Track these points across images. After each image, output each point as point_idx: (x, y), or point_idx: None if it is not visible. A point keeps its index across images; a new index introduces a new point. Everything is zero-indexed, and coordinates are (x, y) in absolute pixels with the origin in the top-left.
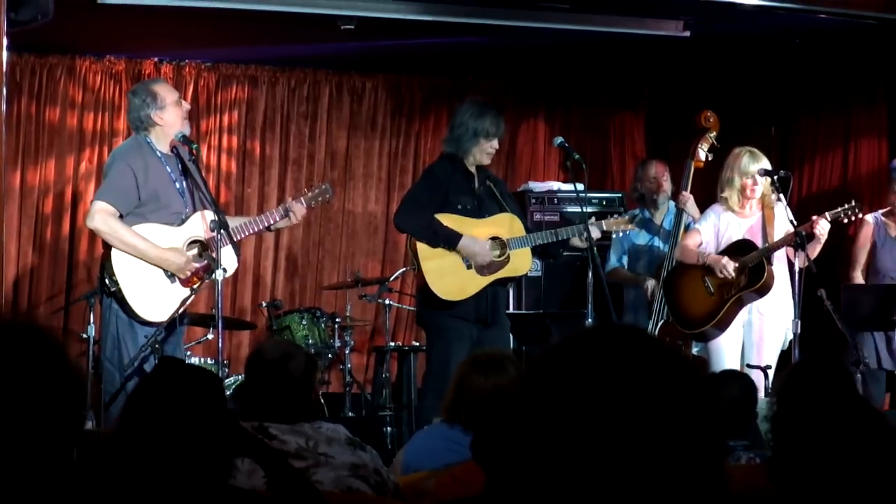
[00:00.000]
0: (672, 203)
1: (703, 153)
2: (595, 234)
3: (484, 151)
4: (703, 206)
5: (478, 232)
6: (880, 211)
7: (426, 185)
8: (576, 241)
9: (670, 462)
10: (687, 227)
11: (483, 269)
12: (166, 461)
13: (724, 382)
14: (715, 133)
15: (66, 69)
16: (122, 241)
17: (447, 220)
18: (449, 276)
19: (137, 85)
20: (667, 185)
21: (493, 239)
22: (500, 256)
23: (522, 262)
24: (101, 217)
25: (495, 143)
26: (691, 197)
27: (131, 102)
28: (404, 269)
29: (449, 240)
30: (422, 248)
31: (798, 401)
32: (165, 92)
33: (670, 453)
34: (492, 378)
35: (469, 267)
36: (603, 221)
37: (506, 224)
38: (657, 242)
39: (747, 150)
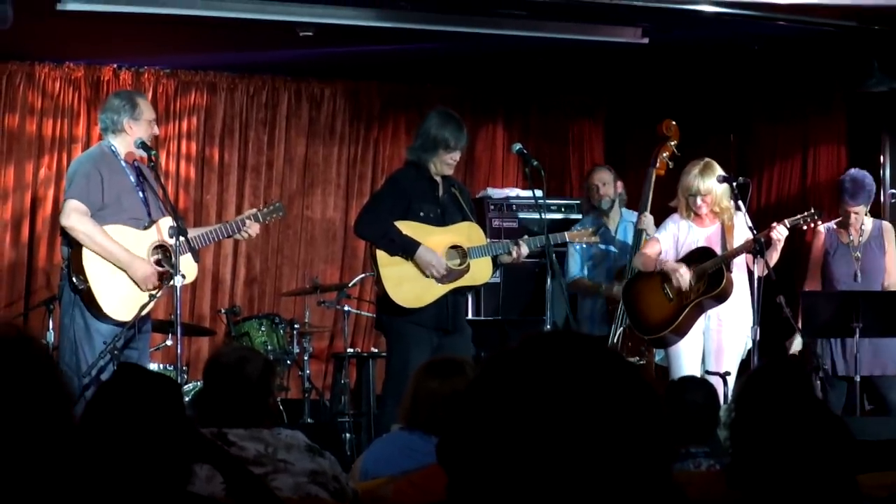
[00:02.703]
0: (625, 210)
1: (664, 161)
2: (524, 251)
3: (444, 162)
4: (666, 214)
5: (438, 240)
6: (832, 222)
7: (388, 193)
8: (504, 258)
9: (618, 467)
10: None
11: (442, 278)
12: (125, 467)
13: (688, 389)
14: (675, 142)
15: (26, 76)
16: (94, 242)
17: (407, 227)
18: (407, 284)
19: (123, 90)
20: (607, 191)
21: (454, 247)
22: (459, 265)
23: (482, 272)
24: (76, 216)
25: (456, 155)
26: (651, 218)
27: (110, 102)
28: (363, 275)
29: (406, 248)
30: (381, 254)
31: (756, 407)
32: (146, 107)
33: (617, 458)
34: (448, 382)
35: (428, 275)
36: (566, 233)
37: (467, 233)
38: (613, 250)
39: (700, 164)
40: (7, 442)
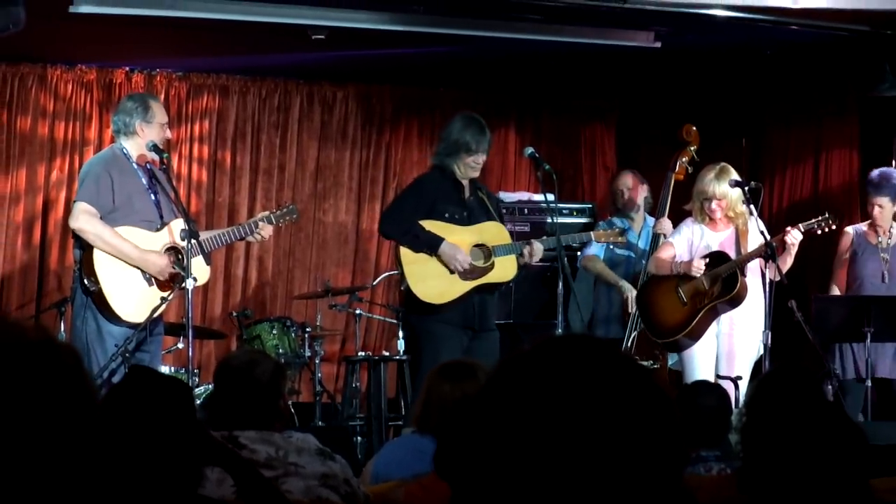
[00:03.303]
0: (648, 215)
1: (683, 166)
2: (537, 247)
3: (468, 165)
4: (683, 218)
5: (461, 239)
6: (863, 223)
7: (412, 193)
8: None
9: (629, 473)
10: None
11: (466, 275)
12: (136, 470)
13: (701, 393)
14: (695, 147)
15: (38, 78)
16: (105, 242)
17: (431, 226)
18: (431, 280)
19: (136, 93)
20: (638, 198)
21: (479, 246)
22: (484, 263)
23: (507, 270)
24: (85, 217)
25: (479, 158)
26: (669, 222)
27: (123, 104)
28: (386, 274)
29: (430, 244)
30: (405, 252)
31: (767, 411)
32: (158, 110)
33: (628, 464)
34: (459, 386)
35: (453, 272)
36: (592, 233)
37: (491, 232)
38: (633, 255)
39: (716, 168)
40: (32, 446)
